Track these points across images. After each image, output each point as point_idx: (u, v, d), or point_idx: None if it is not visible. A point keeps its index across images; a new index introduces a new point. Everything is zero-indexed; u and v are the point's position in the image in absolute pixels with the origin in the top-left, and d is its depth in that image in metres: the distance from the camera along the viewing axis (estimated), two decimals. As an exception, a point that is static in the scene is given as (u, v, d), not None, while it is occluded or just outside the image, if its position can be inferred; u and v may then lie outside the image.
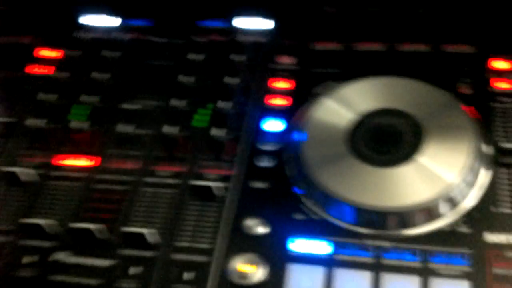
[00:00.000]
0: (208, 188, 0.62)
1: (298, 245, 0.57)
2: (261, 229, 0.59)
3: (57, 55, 0.81)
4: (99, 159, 0.69)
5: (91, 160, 0.69)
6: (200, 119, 0.70)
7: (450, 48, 0.71)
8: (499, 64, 0.67)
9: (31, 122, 0.72)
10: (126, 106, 0.72)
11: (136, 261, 0.59)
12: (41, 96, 0.74)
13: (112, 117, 0.72)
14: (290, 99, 0.71)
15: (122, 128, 0.70)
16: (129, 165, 0.68)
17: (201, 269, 0.58)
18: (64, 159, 0.69)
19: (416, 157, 0.59)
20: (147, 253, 0.60)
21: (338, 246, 0.57)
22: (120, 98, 0.74)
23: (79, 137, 0.70)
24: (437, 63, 0.70)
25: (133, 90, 0.75)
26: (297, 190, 0.61)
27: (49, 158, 0.70)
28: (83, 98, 0.73)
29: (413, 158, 0.59)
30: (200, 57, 0.75)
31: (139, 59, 0.78)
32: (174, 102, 0.70)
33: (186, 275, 0.58)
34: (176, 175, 0.66)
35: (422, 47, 0.71)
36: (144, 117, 0.72)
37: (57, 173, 0.68)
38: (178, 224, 0.61)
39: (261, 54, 0.75)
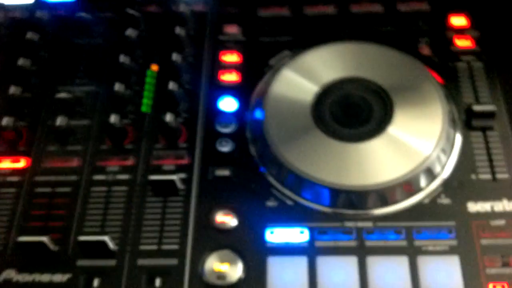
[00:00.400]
0: (171, 182, 0.56)
1: (275, 235, 0.53)
2: (233, 222, 0.55)
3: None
4: (35, 158, 0.61)
5: (26, 160, 0.61)
6: (148, 103, 0.63)
7: (405, 7, 0.67)
8: (459, 21, 0.65)
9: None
10: (58, 94, 0.64)
11: (99, 271, 0.53)
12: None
13: (44, 109, 0.64)
14: (240, 74, 0.65)
15: (58, 120, 0.61)
16: (71, 162, 0.60)
17: (174, 273, 0.53)
18: (-4, 161, 0.61)
19: (388, 129, 0.56)
20: (110, 262, 0.53)
21: (317, 232, 0.53)
22: (49, 86, 0.66)
23: (8, 135, 0.62)
24: (394, 23, 0.66)
25: (63, 76, 0.66)
26: (265, 174, 0.57)
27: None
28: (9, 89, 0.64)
29: (385, 130, 0.56)
30: (137, 32, 0.67)
31: (66, 39, 0.69)
32: (118, 87, 0.62)
33: (158, 282, 0.53)
34: (128, 170, 0.59)
35: (375, 8, 0.68)
36: (80, 105, 0.64)
37: (-3, 178, 0.60)
38: (140, 225, 0.55)
39: (208, 25, 0.69)
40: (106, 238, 0.53)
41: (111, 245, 0.53)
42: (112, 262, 0.54)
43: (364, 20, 0.67)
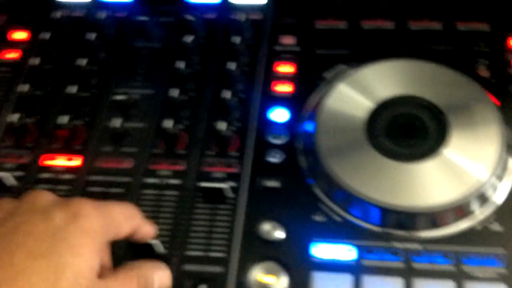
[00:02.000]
0: (219, 190, 0.57)
1: (321, 250, 0.54)
2: (279, 233, 0.55)
3: (25, 37, 0.73)
4: (89, 158, 0.63)
5: (80, 159, 0.63)
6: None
7: (464, 26, 0.67)
8: (520, 43, 0.64)
9: (12, 117, 0.64)
10: (116, 96, 0.66)
11: None
12: (20, 87, 0.67)
13: (100, 109, 0.66)
14: (294, 85, 0.66)
15: (113, 122, 0.63)
16: (124, 164, 0.62)
17: (217, 281, 0.54)
18: (51, 159, 0.63)
19: (442, 151, 0.56)
20: (158, 265, 0.55)
21: (364, 250, 0.53)
22: (106, 87, 0.68)
23: (63, 133, 0.64)
24: (452, 42, 0.66)
25: (121, 78, 0.68)
26: (314, 187, 0.57)
27: (34, 158, 0.63)
28: (67, 88, 0.66)
29: (439, 151, 0.56)
30: (193, 38, 0.68)
31: (125, 41, 0.71)
32: (172, 92, 0.64)
33: (201, 288, 0.54)
34: (179, 175, 0.60)
35: (434, 25, 0.67)
36: (136, 108, 0.66)
37: (44, 175, 0.62)
38: (187, 231, 0.57)
39: (263, 34, 0.70)
40: (155, 242, 0.54)
41: (160, 248, 0.55)
42: (160, 265, 0.55)
43: (422, 37, 0.66)
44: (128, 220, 0.50)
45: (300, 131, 0.61)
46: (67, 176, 0.62)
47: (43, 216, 0.43)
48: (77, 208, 0.44)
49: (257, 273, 0.53)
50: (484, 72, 0.63)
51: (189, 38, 0.67)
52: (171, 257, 0.55)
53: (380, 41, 0.67)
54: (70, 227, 0.42)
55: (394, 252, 0.53)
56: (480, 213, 0.54)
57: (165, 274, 0.51)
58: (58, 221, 0.43)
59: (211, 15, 0.72)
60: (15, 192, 0.60)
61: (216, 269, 0.54)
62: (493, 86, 0.61)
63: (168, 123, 0.61)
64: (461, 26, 0.67)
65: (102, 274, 0.45)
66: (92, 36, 0.69)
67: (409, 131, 0.58)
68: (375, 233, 0.54)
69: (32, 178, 0.62)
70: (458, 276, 0.51)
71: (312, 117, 0.61)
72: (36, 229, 0.42)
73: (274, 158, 0.60)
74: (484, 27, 0.66)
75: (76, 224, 0.43)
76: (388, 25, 0.68)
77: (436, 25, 0.67)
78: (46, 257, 0.40)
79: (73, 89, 0.65)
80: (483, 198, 0.54)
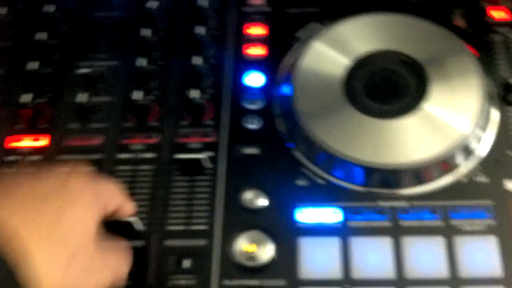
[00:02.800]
0: (197, 160, 0.54)
1: (306, 215, 0.52)
2: (262, 201, 0.53)
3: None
4: (56, 136, 0.59)
5: (47, 138, 0.59)
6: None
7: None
8: (494, -9, 0.62)
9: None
10: (79, 70, 0.62)
11: None
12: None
13: (64, 85, 0.62)
14: (266, 47, 0.63)
15: (79, 97, 0.59)
16: (93, 140, 0.59)
17: (201, 254, 0.51)
18: (16, 140, 0.59)
19: (423, 105, 0.54)
20: (137, 243, 0.52)
21: (349, 211, 0.52)
22: (69, 61, 0.64)
23: (27, 113, 0.60)
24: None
25: (83, 50, 0.64)
26: (294, 152, 0.55)
27: (0, 140, 0.59)
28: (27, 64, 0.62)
29: (420, 106, 0.54)
30: (158, 4, 0.64)
31: (85, 12, 0.67)
32: (140, 62, 0.60)
33: (185, 263, 0.51)
34: (153, 148, 0.57)
35: (406, -24, 0.65)
36: (102, 81, 0.62)
37: (10, 158, 0.58)
38: (166, 205, 0.54)
39: (231, -4, 0.66)
40: (133, 219, 0.52)
41: (139, 225, 0.52)
42: (139, 243, 0.52)
43: (394, -10, 0.64)
44: (114, 197, 0.48)
45: (277, 94, 0.59)
46: (34, 157, 0.58)
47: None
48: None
49: (242, 243, 0.51)
50: (460, 22, 0.61)
51: (154, 4, 0.63)
52: (152, 233, 0.53)
53: (348, -4, 0.65)
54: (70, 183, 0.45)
55: (381, 212, 0.51)
56: (465, 166, 0.53)
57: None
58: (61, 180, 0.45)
59: (174, -22, 0.68)
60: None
61: (200, 242, 0.52)
62: (469, 36, 0.60)
63: (138, 95, 0.58)
64: (433, -24, 0.65)
65: None
66: (50, 8, 0.65)
67: (388, 87, 0.56)
68: (360, 194, 0.52)
69: (-1, 162, 0.58)
70: (447, 231, 0.50)
71: (288, 79, 0.58)
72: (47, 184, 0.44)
73: (252, 124, 0.58)
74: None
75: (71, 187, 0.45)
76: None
77: (408, -24, 0.65)
78: (57, 200, 0.43)
79: (34, 65, 0.61)
80: (467, 151, 0.52)
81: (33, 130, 0.60)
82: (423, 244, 0.49)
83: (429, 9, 0.62)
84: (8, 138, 0.59)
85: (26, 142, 0.59)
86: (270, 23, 0.64)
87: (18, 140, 0.59)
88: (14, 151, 0.59)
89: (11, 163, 0.58)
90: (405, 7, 0.62)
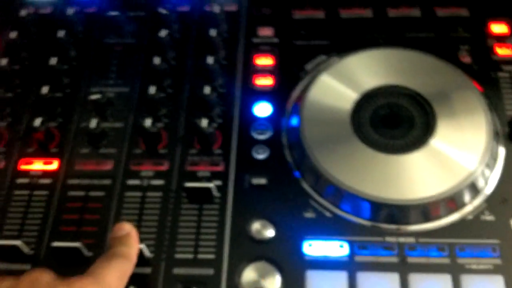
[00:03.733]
0: (207, 189, 0.54)
1: (313, 247, 0.52)
2: (269, 232, 0.53)
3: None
4: (67, 161, 0.59)
5: (56, 162, 0.59)
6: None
7: (443, 12, 0.65)
8: (499, 28, 0.62)
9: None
10: (91, 96, 0.62)
11: (134, 279, 0.50)
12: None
13: (75, 110, 0.62)
14: (274, 77, 0.62)
15: (89, 122, 0.59)
16: (104, 166, 0.58)
17: (208, 283, 0.51)
18: (27, 163, 0.59)
19: (430, 141, 0.54)
20: (145, 270, 0.52)
21: (356, 246, 0.51)
22: (80, 87, 0.63)
23: (39, 136, 0.59)
24: (432, 29, 0.64)
25: (95, 76, 0.64)
26: (302, 183, 0.55)
27: (9, 163, 0.59)
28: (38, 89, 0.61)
29: (427, 142, 0.54)
30: (169, 33, 0.64)
31: (97, 38, 0.67)
32: (152, 90, 0.60)
33: (194, 293, 0.51)
34: (162, 175, 0.57)
35: (412, 11, 0.65)
36: (113, 107, 0.62)
37: (21, 181, 0.58)
38: (175, 233, 0.53)
39: (239, 26, 0.66)
40: (141, 246, 0.51)
41: (147, 252, 0.52)
42: (147, 270, 0.52)
43: (401, 25, 0.64)
44: (124, 278, 0.47)
45: (285, 125, 0.59)
46: (45, 181, 0.58)
47: None
48: None
49: (249, 274, 0.51)
50: (466, 58, 0.61)
51: (163, 33, 0.63)
52: (160, 261, 0.52)
53: (359, 30, 0.64)
54: None
55: (388, 247, 0.51)
56: (471, 204, 0.52)
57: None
58: None
59: (184, 8, 0.68)
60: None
61: (207, 271, 0.52)
62: (475, 72, 0.60)
63: (147, 122, 0.58)
64: (440, 12, 0.64)
65: None
66: (61, 33, 0.64)
67: (395, 121, 0.56)
68: (367, 228, 0.52)
69: (8, 184, 0.57)
70: (454, 269, 0.49)
71: (296, 110, 0.58)
72: None
73: (260, 154, 0.57)
74: (463, 12, 0.64)
75: None
76: (367, 13, 0.65)
77: (415, 12, 0.65)
78: None
79: (44, 89, 0.61)
80: (474, 188, 0.52)
81: (44, 153, 0.59)
82: (430, 281, 0.49)
83: (437, 45, 0.62)
84: (19, 161, 0.59)
85: (38, 165, 0.59)
86: (278, 54, 0.64)
87: (29, 163, 0.59)
88: (25, 174, 0.58)
89: (22, 186, 0.57)
90: (413, 42, 0.62)
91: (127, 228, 0.50)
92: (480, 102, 0.56)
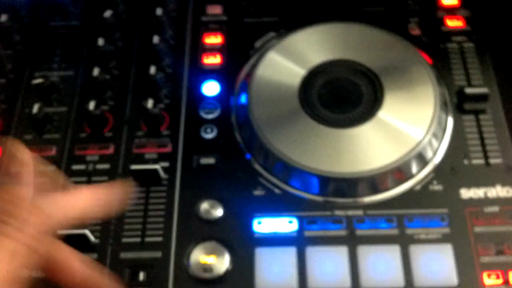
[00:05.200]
0: (154, 171, 0.53)
1: (263, 225, 0.51)
2: (217, 212, 0.52)
3: None
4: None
5: (0, 150, 0.57)
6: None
7: (393, -16, 0.64)
8: (449, 0, 0.62)
9: None
10: (33, 80, 0.60)
11: None
12: None
13: (18, 95, 0.60)
14: (222, 56, 0.62)
15: (34, 108, 0.57)
16: (48, 151, 0.57)
17: (158, 266, 0.50)
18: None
19: (378, 114, 0.54)
20: (92, 256, 0.50)
21: (305, 221, 0.51)
22: (24, 72, 0.62)
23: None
24: (382, 3, 0.63)
25: (39, 60, 0.62)
26: (251, 161, 0.54)
27: None
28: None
29: (375, 114, 0.53)
30: (114, 13, 0.63)
31: (41, 21, 0.65)
32: (96, 72, 0.58)
33: (142, 275, 0.50)
34: (108, 159, 0.56)
35: (364, -15, 0.65)
36: (57, 91, 0.60)
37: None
38: (122, 217, 0.52)
39: (189, 5, 0.65)
40: (86, 231, 0.50)
41: (92, 238, 0.51)
42: (93, 256, 0.51)
43: (352, 0, 0.64)
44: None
45: (233, 103, 0.58)
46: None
47: None
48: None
49: (198, 255, 0.50)
50: (416, 31, 0.60)
51: (108, 13, 0.62)
52: (106, 246, 0.51)
53: (309, 6, 0.64)
54: None
55: (337, 221, 0.50)
56: (420, 175, 0.52)
57: None
58: None
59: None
60: None
61: (154, 254, 0.50)
62: (425, 45, 0.59)
63: (91, 105, 0.56)
64: (390, -15, 0.64)
65: None
66: (3, 17, 0.63)
67: (343, 96, 0.55)
68: (316, 203, 0.51)
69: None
70: (403, 240, 0.49)
71: (244, 88, 0.57)
72: None
73: (208, 134, 0.56)
74: (412, -16, 0.64)
75: None
76: (315, -12, 0.65)
77: (365, -15, 0.65)
78: None
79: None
80: (421, 159, 0.52)
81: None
82: (379, 253, 0.48)
83: (386, 19, 0.61)
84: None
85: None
86: (227, 32, 0.63)
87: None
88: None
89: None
90: (363, 16, 0.61)
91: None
92: (428, 74, 0.55)
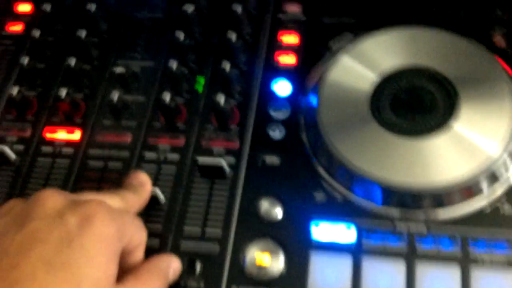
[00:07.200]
0: (219, 166, 0.52)
1: (321, 230, 0.49)
2: (277, 212, 0.50)
3: (29, 10, 0.68)
4: (90, 131, 0.58)
5: (79, 132, 0.58)
6: (202, 82, 0.59)
7: (480, -10, 0.59)
8: (540, 10, 0.56)
9: (13, 90, 0.59)
10: (115, 69, 0.60)
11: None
12: (21, 60, 0.62)
13: (100, 82, 0.61)
14: (297, 56, 0.59)
15: (112, 95, 0.58)
16: (124, 137, 0.57)
17: (213, 259, 0.49)
18: (52, 132, 0.59)
19: (451, 125, 0.49)
20: (153, 242, 0.50)
21: (365, 230, 0.48)
22: (108, 59, 0.63)
23: (64, 107, 0.59)
24: (465, 7, 0.58)
25: (123, 50, 0.63)
26: (315, 165, 0.52)
27: (35, 131, 0.59)
28: (68, 61, 0.61)
29: (448, 125, 0.49)
30: (194, 8, 0.62)
31: (125, 12, 0.66)
32: (172, 64, 0.58)
33: (199, 267, 0.49)
34: (178, 150, 0.55)
35: (448, -12, 0.60)
36: (137, 80, 0.60)
37: (45, 149, 0.58)
38: (186, 206, 0.52)
39: (266, 2, 0.63)
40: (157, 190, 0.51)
41: (161, 196, 0.52)
42: (155, 242, 0.51)
43: (435, 3, 0.59)
44: (138, 231, 0.46)
45: (303, 105, 0.56)
46: (67, 150, 0.57)
47: (57, 221, 0.40)
48: (90, 211, 0.41)
49: (254, 252, 0.48)
50: (501, 43, 0.55)
51: (189, 8, 0.61)
52: (168, 233, 0.51)
53: (388, 7, 0.60)
54: (85, 233, 0.40)
55: (397, 234, 0.47)
56: (490, 193, 0.48)
57: (178, 265, 0.48)
58: (73, 226, 0.40)
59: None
60: (16, 166, 0.57)
61: (213, 247, 0.50)
62: (509, 56, 0.54)
63: (166, 96, 0.56)
64: (477, -9, 0.59)
65: (121, 278, 0.43)
66: (92, 7, 0.64)
67: (416, 104, 0.51)
68: (378, 213, 0.48)
69: (33, 151, 0.58)
70: (465, 262, 0.45)
71: (315, 90, 0.55)
72: (52, 237, 0.39)
73: (275, 133, 0.54)
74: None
75: (91, 230, 0.40)
76: (398, -10, 0.61)
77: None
78: (65, 269, 0.38)
79: (72, 61, 0.60)
80: (493, 177, 0.47)
81: (68, 123, 0.59)
82: (438, 272, 0.45)
83: (468, 25, 0.57)
84: (44, 129, 0.59)
85: (61, 135, 0.58)
86: (304, 32, 0.60)
87: (53, 132, 0.59)
88: (49, 142, 0.58)
89: (46, 155, 0.57)
90: (444, 21, 0.57)
91: (143, 179, 0.50)
92: (509, 88, 0.50)
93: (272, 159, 0.53)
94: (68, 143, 0.58)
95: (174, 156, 0.55)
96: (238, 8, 0.60)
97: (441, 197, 0.47)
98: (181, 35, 0.59)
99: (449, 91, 0.51)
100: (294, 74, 0.58)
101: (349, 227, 0.48)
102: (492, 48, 0.54)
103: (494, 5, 0.58)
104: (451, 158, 0.48)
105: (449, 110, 0.50)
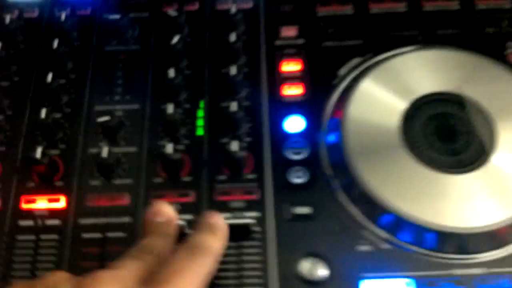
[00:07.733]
0: (246, 227, 0.45)
1: (370, 286, 0.44)
2: (321, 271, 0.44)
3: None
4: (77, 196, 0.48)
5: (64, 198, 0.48)
6: (201, 124, 0.51)
7: (483, 3, 0.56)
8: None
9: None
10: (99, 118, 0.50)
11: None
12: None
13: (81, 134, 0.51)
14: (303, 85, 0.53)
15: (99, 149, 0.49)
16: (120, 200, 0.48)
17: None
18: (31, 201, 0.48)
19: (491, 158, 0.46)
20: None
21: (422, 282, 0.43)
22: (80, 104, 0.53)
23: (39, 169, 0.48)
24: (472, 23, 0.55)
25: (96, 91, 0.53)
26: (353, 211, 0.46)
27: (8, 202, 0.48)
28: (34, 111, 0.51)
29: (488, 159, 0.46)
30: (177, 38, 0.53)
31: (93, 45, 0.56)
32: (170, 109, 0.49)
33: None
34: (189, 208, 0.47)
35: (450, 4, 0.56)
36: (123, 128, 0.51)
37: (26, 222, 0.47)
38: (214, 277, 0.44)
39: (261, 27, 0.56)
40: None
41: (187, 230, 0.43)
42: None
43: (438, 20, 0.55)
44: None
45: (323, 141, 0.50)
46: (53, 222, 0.47)
47: None
48: None
49: (305, 323, 0.42)
50: (514, 57, 0.53)
51: (175, 39, 0.53)
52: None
53: (392, 26, 0.55)
54: None
55: (457, 282, 0.44)
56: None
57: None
58: None
59: (193, 7, 0.57)
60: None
61: (256, 320, 0.43)
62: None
63: (169, 147, 0.48)
64: (481, 4, 0.56)
65: None
66: (53, 43, 0.53)
67: (450, 135, 0.48)
68: (432, 261, 0.44)
69: (9, 227, 0.47)
70: (530, 301, 0.43)
71: (335, 125, 0.49)
72: None
73: (298, 178, 0.48)
74: (506, 3, 0.56)
75: None
76: (399, 7, 0.56)
77: (453, 4, 0.56)
78: None
79: (42, 112, 0.50)
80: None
81: (49, 188, 0.49)
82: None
83: (479, 42, 0.53)
84: (20, 198, 0.48)
85: (42, 203, 0.48)
86: (306, 58, 0.54)
87: (33, 201, 0.48)
88: (30, 213, 0.48)
89: (27, 229, 0.47)
90: (451, 39, 0.53)
91: (167, 214, 0.43)
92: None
93: (302, 209, 0.47)
94: (52, 213, 0.48)
95: (186, 217, 0.46)
96: (233, 37, 0.52)
97: (496, 237, 0.44)
98: (171, 72, 0.51)
99: (487, 120, 0.48)
100: (304, 107, 0.52)
101: (408, 283, 0.43)
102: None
103: (499, 18, 0.55)
104: (499, 193, 0.45)
105: (487, 140, 0.47)
